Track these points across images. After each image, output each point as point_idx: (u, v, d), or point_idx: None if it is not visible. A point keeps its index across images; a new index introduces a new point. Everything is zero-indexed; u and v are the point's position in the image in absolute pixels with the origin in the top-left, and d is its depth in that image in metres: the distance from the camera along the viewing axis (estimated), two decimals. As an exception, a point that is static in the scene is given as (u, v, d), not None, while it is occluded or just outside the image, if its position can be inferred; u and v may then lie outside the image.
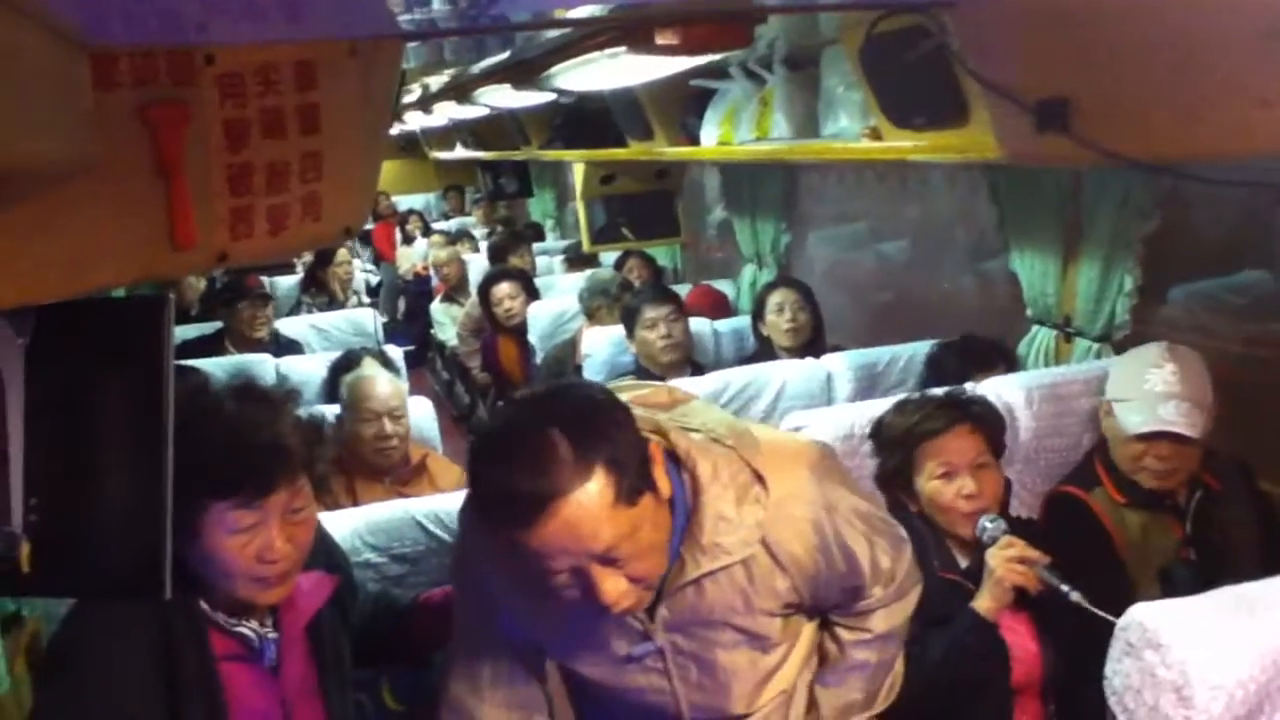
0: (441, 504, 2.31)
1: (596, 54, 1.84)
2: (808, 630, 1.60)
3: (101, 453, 1.15)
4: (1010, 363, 2.88)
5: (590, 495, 1.24)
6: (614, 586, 1.30)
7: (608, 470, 1.26)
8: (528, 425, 1.29)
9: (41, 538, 1.14)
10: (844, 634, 1.62)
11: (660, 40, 1.61)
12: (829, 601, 1.57)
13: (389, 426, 2.88)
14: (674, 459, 1.43)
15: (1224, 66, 1.61)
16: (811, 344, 3.56)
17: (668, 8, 1.61)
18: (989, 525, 1.96)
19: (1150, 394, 2.08)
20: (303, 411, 1.64)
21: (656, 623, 1.48)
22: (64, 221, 1.13)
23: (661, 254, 5.32)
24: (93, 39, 1.15)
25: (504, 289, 5.04)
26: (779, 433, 1.86)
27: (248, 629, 1.56)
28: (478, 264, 6.43)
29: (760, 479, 1.44)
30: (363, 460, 2.92)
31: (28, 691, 2.38)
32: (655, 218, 4.79)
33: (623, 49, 1.72)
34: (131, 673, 1.45)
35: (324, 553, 1.75)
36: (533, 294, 5.03)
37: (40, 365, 1.13)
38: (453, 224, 9.54)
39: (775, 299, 3.62)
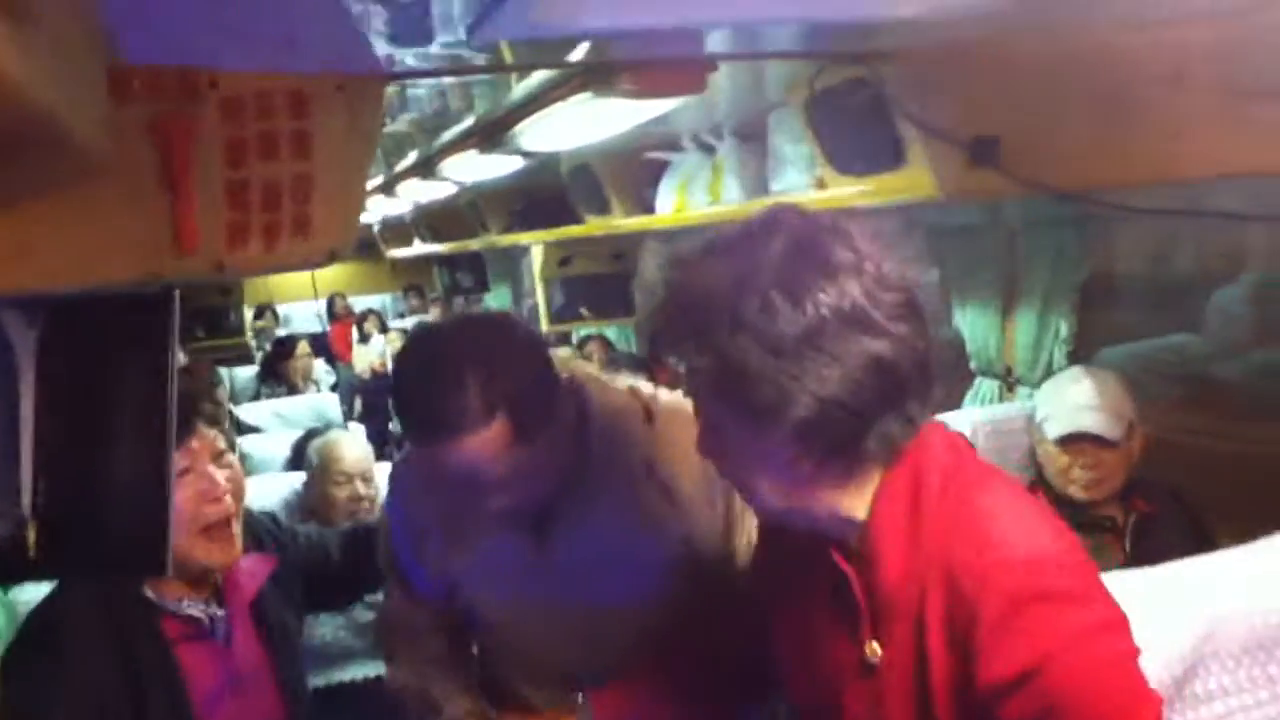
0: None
1: (560, 104, 1.97)
2: None
3: (108, 438, 1.21)
4: None
5: (489, 438, 1.35)
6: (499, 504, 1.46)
7: (509, 414, 1.35)
8: (444, 365, 1.37)
9: (48, 520, 1.19)
10: None
11: (623, 84, 1.75)
12: None
13: (361, 488, 2.92)
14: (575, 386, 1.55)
15: (1137, 105, 1.78)
16: None
17: (628, 56, 1.76)
18: None
19: (1069, 405, 2.23)
20: None
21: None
22: (76, 219, 1.22)
23: (613, 334, 5.45)
24: (110, 55, 1.26)
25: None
26: None
27: (197, 610, 1.64)
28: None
29: (650, 415, 1.56)
30: (333, 524, 2.94)
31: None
32: (612, 298, 4.92)
33: (586, 96, 1.85)
34: (94, 667, 1.52)
35: (253, 539, 1.82)
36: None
37: (52, 355, 1.20)
38: (410, 321, 9.63)
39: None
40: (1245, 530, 1.65)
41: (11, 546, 1.19)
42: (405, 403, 1.41)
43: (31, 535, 1.19)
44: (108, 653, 1.54)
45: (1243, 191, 2.01)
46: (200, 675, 1.62)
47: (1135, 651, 1.01)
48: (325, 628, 2.24)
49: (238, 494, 1.66)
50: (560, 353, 1.31)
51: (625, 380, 1.65)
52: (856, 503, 1.06)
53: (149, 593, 1.60)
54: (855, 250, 0.99)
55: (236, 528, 1.65)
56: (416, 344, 1.49)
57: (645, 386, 1.63)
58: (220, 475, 1.62)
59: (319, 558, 1.97)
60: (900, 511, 1.05)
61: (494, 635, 1.67)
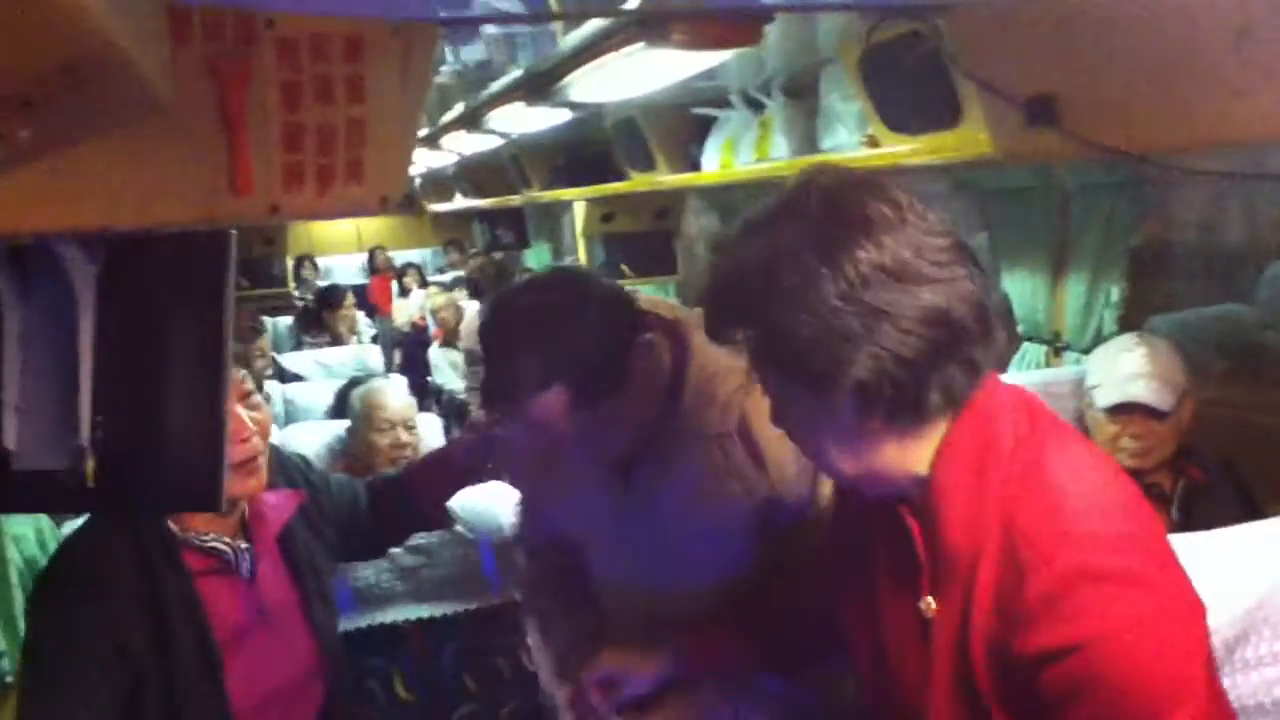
0: (456, 500, 2.38)
1: (611, 55, 1.95)
2: None
3: (165, 375, 1.23)
4: None
5: (546, 404, 1.40)
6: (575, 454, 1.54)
7: (566, 383, 1.39)
8: (507, 333, 1.44)
9: (106, 454, 1.22)
10: None
11: (677, 35, 1.73)
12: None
13: (404, 436, 2.95)
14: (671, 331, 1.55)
15: (1201, 62, 1.73)
16: None
17: (684, 6, 1.73)
18: None
19: (1121, 374, 2.18)
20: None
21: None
22: (134, 159, 1.23)
23: (650, 291, 5.44)
24: (168, -3, 1.26)
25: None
26: None
27: (221, 543, 1.66)
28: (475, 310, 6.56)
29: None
30: (375, 471, 2.98)
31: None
32: (653, 256, 4.91)
33: (638, 46, 1.83)
34: (116, 598, 1.56)
35: (284, 478, 1.85)
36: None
37: (111, 291, 1.22)
38: (449, 276, 9.67)
39: None
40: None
41: (70, 478, 1.21)
42: (485, 364, 1.47)
43: (89, 468, 1.21)
44: (131, 584, 1.57)
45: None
46: (224, 609, 1.64)
47: (1195, 641, 0.96)
48: (369, 569, 2.28)
49: (264, 434, 1.68)
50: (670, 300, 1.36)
51: None
52: (922, 458, 1.04)
53: (172, 526, 1.63)
54: (893, 202, 0.97)
55: (262, 463, 1.67)
56: (493, 306, 1.54)
57: None
58: (247, 416, 1.64)
59: (348, 504, 1.98)
60: (966, 466, 1.02)
61: (588, 565, 1.72)
